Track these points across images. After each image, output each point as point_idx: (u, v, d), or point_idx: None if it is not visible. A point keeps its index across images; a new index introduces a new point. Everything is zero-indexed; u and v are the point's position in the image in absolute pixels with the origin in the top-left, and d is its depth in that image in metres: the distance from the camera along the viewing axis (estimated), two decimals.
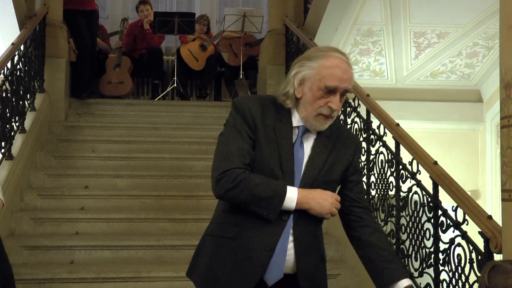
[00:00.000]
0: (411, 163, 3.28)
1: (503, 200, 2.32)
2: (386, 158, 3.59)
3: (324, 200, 1.85)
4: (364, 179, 3.89)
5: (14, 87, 4.43)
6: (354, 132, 4.10)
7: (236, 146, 1.85)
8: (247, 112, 1.88)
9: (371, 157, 3.81)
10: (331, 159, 1.93)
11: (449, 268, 2.84)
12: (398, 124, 3.54)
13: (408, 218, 3.29)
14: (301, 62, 1.90)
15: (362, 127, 3.99)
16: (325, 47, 1.95)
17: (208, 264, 1.91)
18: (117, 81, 6.61)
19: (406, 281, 1.89)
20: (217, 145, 1.91)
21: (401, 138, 3.42)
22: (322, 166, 1.91)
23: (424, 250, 3.10)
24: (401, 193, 3.37)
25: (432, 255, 2.99)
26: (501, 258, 2.35)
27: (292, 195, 1.82)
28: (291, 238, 1.88)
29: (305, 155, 1.91)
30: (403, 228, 3.35)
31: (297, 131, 1.92)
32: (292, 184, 1.86)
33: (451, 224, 2.86)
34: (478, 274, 2.58)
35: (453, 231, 2.82)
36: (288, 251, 1.87)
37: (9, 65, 4.33)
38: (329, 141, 1.94)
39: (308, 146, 1.92)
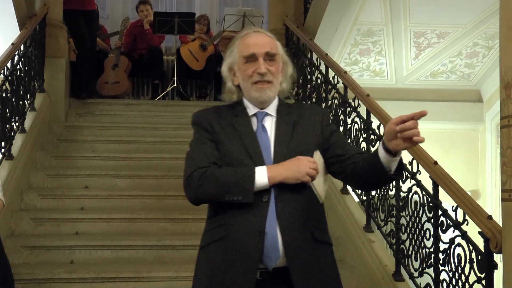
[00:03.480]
0: (411, 163, 3.28)
1: (503, 200, 2.32)
2: None
3: (296, 165, 1.83)
4: None
5: (14, 87, 4.43)
6: (354, 132, 4.11)
7: (198, 152, 1.92)
8: (202, 120, 1.97)
9: None
10: (298, 131, 1.96)
11: (449, 268, 2.84)
12: None
13: (408, 218, 3.30)
14: (226, 56, 2.03)
15: (362, 127, 3.99)
16: (239, 32, 2.08)
17: (209, 275, 1.88)
18: (114, 81, 6.62)
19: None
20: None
21: None
22: (289, 140, 1.93)
23: (424, 250, 3.10)
24: (401, 193, 3.37)
25: (432, 255, 2.99)
26: (501, 258, 2.35)
27: (262, 172, 1.83)
28: (276, 218, 1.85)
29: (271, 137, 1.95)
30: (403, 228, 3.35)
31: (255, 119, 1.98)
32: None
33: (451, 224, 2.86)
34: (478, 274, 2.58)
35: (453, 231, 2.82)
36: (278, 233, 1.84)
37: (9, 65, 4.33)
38: (289, 117, 1.99)
39: (271, 128, 1.97)
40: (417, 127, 1.75)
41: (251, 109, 1.99)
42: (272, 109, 2.01)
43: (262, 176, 1.83)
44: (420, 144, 3.27)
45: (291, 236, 1.85)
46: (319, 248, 1.92)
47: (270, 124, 1.98)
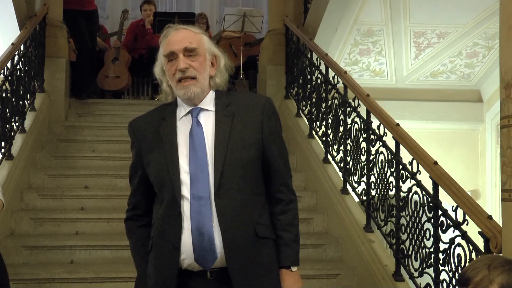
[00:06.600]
0: (411, 163, 3.28)
1: (503, 200, 2.33)
2: (386, 158, 3.60)
3: None
4: (364, 179, 3.89)
5: (14, 87, 4.43)
6: (354, 132, 4.11)
7: (131, 187, 2.03)
8: (131, 132, 1.99)
9: (371, 157, 3.81)
10: (237, 125, 1.90)
11: (449, 268, 2.84)
12: (398, 124, 3.54)
13: (408, 218, 3.30)
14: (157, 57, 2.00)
15: (362, 127, 3.99)
16: None
17: (148, 280, 1.93)
18: (114, 75, 6.59)
19: (285, 269, 1.91)
20: None
21: (401, 138, 3.42)
22: (230, 133, 1.88)
23: (424, 250, 3.10)
24: (401, 193, 3.37)
25: (432, 255, 2.99)
26: None
27: None
28: (215, 216, 1.82)
29: (208, 134, 1.88)
30: (403, 228, 3.35)
31: (190, 116, 1.91)
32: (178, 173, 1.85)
33: (451, 224, 2.86)
34: None
35: (453, 231, 2.83)
36: (216, 233, 1.82)
37: (9, 65, 4.33)
38: (229, 109, 1.92)
39: (208, 123, 1.90)
40: None
41: (185, 107, 1.93)
42: (207, 103, 1.93)
43: None
44: (420, 144, 3.30)
45: (231, 234, 1.82)
46: (260, 245, 1.89)
47: (207, 120, 1.91)
